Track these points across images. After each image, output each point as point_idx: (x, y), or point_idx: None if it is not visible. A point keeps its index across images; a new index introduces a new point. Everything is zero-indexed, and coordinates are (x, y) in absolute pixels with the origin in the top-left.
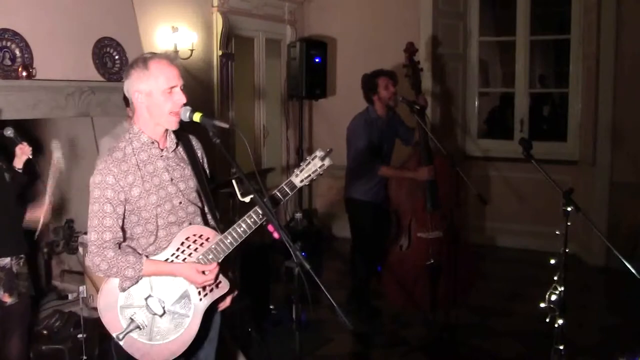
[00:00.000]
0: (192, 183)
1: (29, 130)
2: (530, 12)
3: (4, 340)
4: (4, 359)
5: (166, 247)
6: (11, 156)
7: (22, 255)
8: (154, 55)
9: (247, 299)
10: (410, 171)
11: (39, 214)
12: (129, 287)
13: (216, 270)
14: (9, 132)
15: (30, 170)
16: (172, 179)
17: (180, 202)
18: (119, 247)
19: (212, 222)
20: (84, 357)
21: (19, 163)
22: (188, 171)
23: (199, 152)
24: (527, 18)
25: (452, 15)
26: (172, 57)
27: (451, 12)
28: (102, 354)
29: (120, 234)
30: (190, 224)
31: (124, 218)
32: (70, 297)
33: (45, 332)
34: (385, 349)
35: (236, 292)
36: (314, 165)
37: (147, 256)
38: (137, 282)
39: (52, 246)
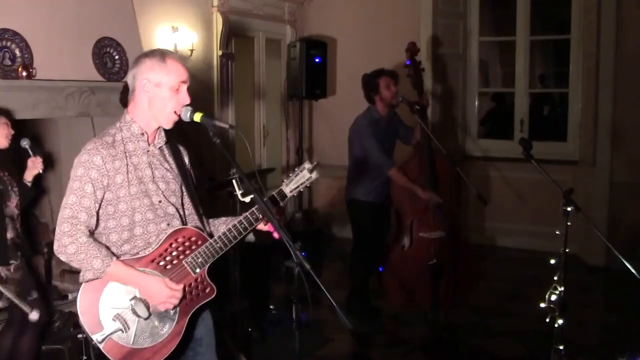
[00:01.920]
0: (173, 186)
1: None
2: (530, 12)
3: (17, 338)
4: (15, 356)
5: (146, 247)
6: (23, 168)
7: (12, 261)
8: (168, 51)
9: (247, 299)
10: (420, 190)
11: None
12: (89, 280)
13: (179, 296)
14: (25, 143)
15: (38, 184)
16: (153, 177)
17: (160, 201)
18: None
19: (198, 224)
20: (84, 357)
21: (28, 176)
22: (170, 174)
23: (186, 159)
24: (527, 18)
25: (452, 15)
26: (183, 58)
27: (451, 12)
28: (102, 354)
29: (94, 220)
30: (168, 224)
31: (100, 206)
32: (70, 297)
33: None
34: (385, 349)
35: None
36: (303, 177)
37: (117, 257)
38: (99, 277)
39: (52, 246)
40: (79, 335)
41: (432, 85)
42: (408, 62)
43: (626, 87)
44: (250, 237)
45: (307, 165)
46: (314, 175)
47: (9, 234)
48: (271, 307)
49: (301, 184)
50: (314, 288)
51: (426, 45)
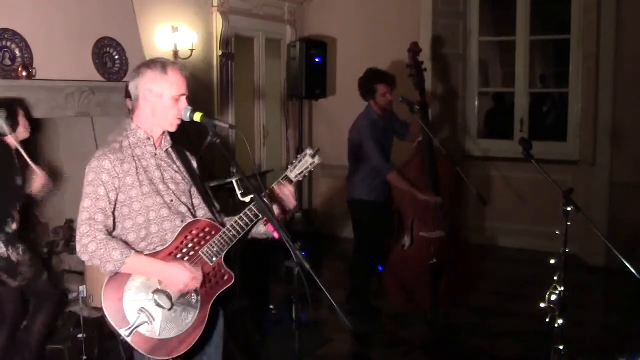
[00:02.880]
0: (183, 187)
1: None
2: (530, 12)
3: (32, 316)
4: (29, 334)
5: (163, 244)
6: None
7: (18, 245)
8: (169, 61)
9: (247, 299)
10: (418, 193)
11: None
12: (109, 272)
13: (200, 277)
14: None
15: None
16: (163, 178)
17: (172, 200)
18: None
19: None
20: (84, 357)
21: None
22: (179, 175)
23: (194, 163)
24: (527, 18)
25: (452, 15)
26: (183, 68)
27: (451, 12)
28: (102, 354)
29: (111, 220)
30: (182, 221)
31: (114, 208)
32: (70, 297)
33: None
34: (385, 349)
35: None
36: (306, 162)
37: (136, 250)
38: (118, 269)
39: (52, 246)
40: (79, 335)
41: (432, 85)
42: (410, 63)
43: (626, 87)
44: (269, 234)
45: (309, 151)
46: (317, 159)
47: (14, 225)
48: (271, 307)
49: (305, 168)
50: (314, 288)
51: (427, 45)
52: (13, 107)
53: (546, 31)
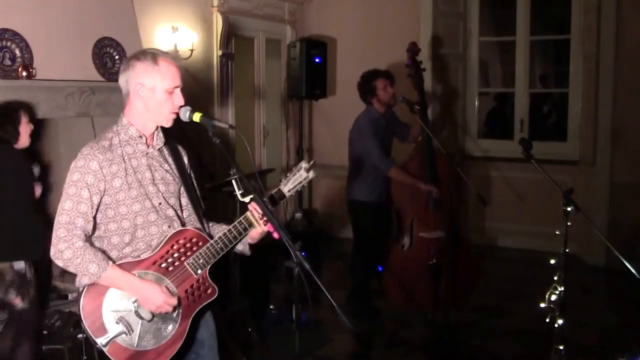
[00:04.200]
0: (173, 187)
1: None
2: (530, 12)
3: (15, 346)
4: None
5: (147, 250)
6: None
7: (33, 264)
8: (160, 52)
9: (247, 299)
10: (421, 183)
11: None
12: (85, 285)
13: (174, 303)
14: None
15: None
16: (153, 179)
17: (160, 204)
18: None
19: (198, 225)
20: (84, 357)
21: None
22: (170, 175)
23: (185, 160)
24: (527, 18)
25: (452, 15)
26: (176, 57)
27: (451, 12)
28: (102, 354)
29: (91, 226)
30: (169, 226)
31: (97, 211)
32: (70, 297)
33: (45, 332)
34: (385, 349)
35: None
36: (300, 176)
37: (114, 262)
38: (94, 282)
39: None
40: (79, 335)
41: (432, 85)
42: (409, 63)
43: (626, 87)
44: (246, 251)
45: (304, 164)
46: (311, 174)
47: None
48: (271, 307)
49: (299, 183)
50: (314, 288)
51: (426, 45)
52: (16, 113)
53: (546, 31)
